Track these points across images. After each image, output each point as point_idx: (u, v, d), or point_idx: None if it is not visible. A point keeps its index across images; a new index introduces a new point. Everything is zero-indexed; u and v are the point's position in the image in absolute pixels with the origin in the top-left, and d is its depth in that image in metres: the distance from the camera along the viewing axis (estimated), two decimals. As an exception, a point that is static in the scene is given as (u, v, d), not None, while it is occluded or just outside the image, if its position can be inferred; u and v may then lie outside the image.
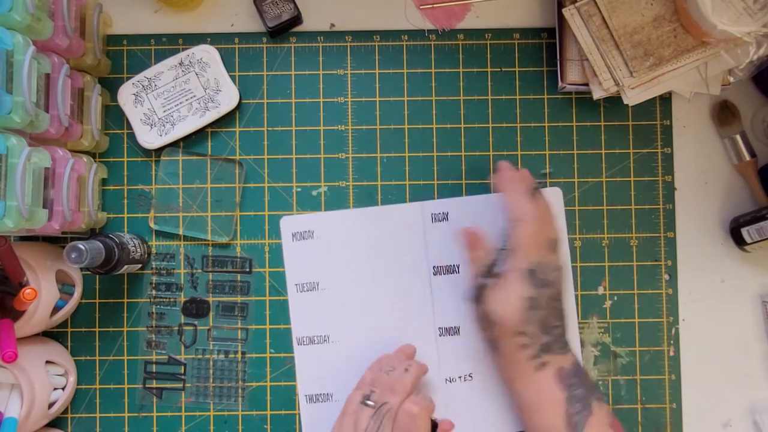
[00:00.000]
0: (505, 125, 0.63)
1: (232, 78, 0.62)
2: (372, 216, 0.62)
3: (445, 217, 0.61)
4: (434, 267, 0.61)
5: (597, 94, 0.59)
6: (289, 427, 0.62)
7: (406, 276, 0.61)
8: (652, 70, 0.57)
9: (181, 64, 0.61)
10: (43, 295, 0.54)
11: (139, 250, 0.59)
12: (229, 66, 0.62)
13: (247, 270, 0.62)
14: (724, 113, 0.62)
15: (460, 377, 0.61)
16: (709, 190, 0.63)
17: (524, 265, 0.50)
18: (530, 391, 0.51)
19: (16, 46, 0.47)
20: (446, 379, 0.61)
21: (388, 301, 0.61)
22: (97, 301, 0.62)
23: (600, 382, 0.62)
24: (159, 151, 0.62)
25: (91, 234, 0.62)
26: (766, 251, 0.61)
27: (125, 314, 0.62)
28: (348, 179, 0.63)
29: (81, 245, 0.50)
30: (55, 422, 0.61)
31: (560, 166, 0.63)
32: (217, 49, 0.62)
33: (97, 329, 0.62)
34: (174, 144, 0.62)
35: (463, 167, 0.63)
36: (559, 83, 0.61)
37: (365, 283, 0.61)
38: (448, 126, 0.63)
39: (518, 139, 0.63)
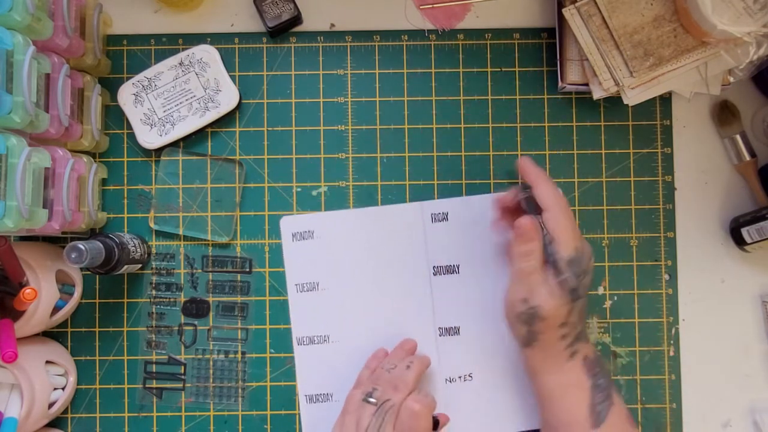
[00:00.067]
0: (505, 125, 0.63)
1: (232, 78, 0.62)
2: (372, 216, 0.62)
3: (445, 217, 0.61)
4: (434, 267, 0.61)
5: (597, 94, 0.59)
6: (289, 427, 0.62)
7: (406, 276, 0.61)
8: (652, 70, 0.57)
9: (181, 64, 0.61)
10: (43, 295, 0.54)
11: (139, 250, 0.59)
12: (229, 66, 0.62)
13: (247, 270, 0.62)
14: (724, 113, 0.62)
15: (460, 377, 0.61)
16: (709, 190, 0.63)
17: (566, 255, 0.49)
18: (557, 380, 0.51)
19: (16, 46, 0.47)
20: (446, 379, 0.61)
21: (388, 301, 0.61)
22: (97, 301, 0.62)
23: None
24: (159, 151, 0.62)
25: (91, 234, 0.62)
26: (766, 251, 0.61)
27: (125, 314, 0.62)
28: (348, 179, 0.63)
29: (81, 245, 0.50)
30: (55, 422, 0.61)
31: (560, 166, 0.63)
32: (217, 49, 0.62)
33: (97, 329, 0.62)
34: (174, 144, 0.62)
35: (463, 167, 0.63)
36: (559, 83, 0.61)
37: (365, 283, 0.61)
38: (448, 126, 0.63)
39: (518, 139, 0.63)
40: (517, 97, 0.63)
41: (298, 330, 0.62)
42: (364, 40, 0.63)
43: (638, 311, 0.62)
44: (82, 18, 0.58)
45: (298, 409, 0.61)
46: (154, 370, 0.62)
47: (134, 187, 0.63)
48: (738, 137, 0.62)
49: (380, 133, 0.63)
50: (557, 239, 0.50)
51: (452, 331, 0.61)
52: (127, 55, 0.63)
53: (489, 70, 0.63)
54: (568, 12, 0.58)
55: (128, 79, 0.62)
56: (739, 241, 0.61)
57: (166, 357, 0.62)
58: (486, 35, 0.64)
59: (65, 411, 0.61)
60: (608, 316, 0.62)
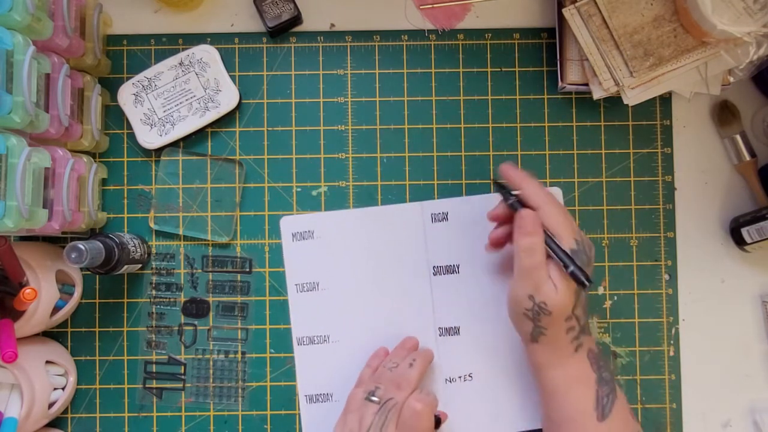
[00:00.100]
0: (505, 125, 0.63)
1: (232, 78, 0.62)
2: (372, 216, 0.62)
3: (445, 217, 0.61)
4: (434, 267, 0.61)
5: (597, 94, 0.59)
6: (289, 427, 0.62)
7: (406, 276, 0.61)
8: (652, 70, 0.57)
9: (181, 64, 0.61)
10: (43, 295, 0.54)
11: (139, 250, 0.59)
12: (229, 66, 0.62)
13: (247, 270, 0.62)
14: (724, 113, 0.62)
15: (460, 377, 0.61)
16: (709, 190, 0.63)
17: (568, 247, 0.49)
18: (563, 374, 0.51)
19: (16, 46, 0.47)
20: (446, 379, 0.61)
21: (388, 301, 0.61)
22: (97, 301, 0.62)
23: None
24: (159, 151, 0.62)
25: (91, 234, 0.62)
26: (766, 251, 0.61)
27: (125, 314, 0.62)
28: (348, 179, 0.63)
29: (81, 245, 0.50)
30: (55, 422, 0.61)
31: (560, 166, 0.63)
32: (217, 49, 0.62)
33: (97, 329, 0.62)
34: (174, 144, 0.62)
35: (463, 167, 0.63)
36: (559, 83, 0.61)
37: (365, 283, 0.61)
38: (448, 126, 0.63)
39: (518, 139, 0.63)
40: (517, 97, 0.63)
41: (298, 330, 0.62)
42: (364, 40, 0.63)
43: (638, 311, 0.62)
44: (82, 18, 0.58)
45: (298, 409, 0.61)
46: (154, 370, 0.62)
47: (134, 187, 0.63)
48: (738, 137, 0.62)
49: (380, 133, 0.63)
50: (556, 234, 0.49)
51: (452, 331, 0.61)
52: (127, 55, 0.63)
53: (489, 70, 0.63)
54: (568, 12, 0.58)
55: (128, 79, 0.62)
56: (739, 241, 0.61)
57: (166, 357, 0.62)
58: (486, 35, 0.64)
59: (65, 411, 0.61)
60: (608, 316, 0.62)
